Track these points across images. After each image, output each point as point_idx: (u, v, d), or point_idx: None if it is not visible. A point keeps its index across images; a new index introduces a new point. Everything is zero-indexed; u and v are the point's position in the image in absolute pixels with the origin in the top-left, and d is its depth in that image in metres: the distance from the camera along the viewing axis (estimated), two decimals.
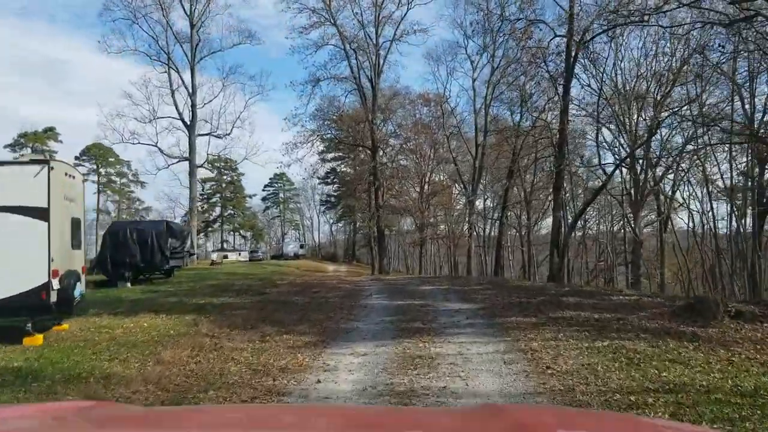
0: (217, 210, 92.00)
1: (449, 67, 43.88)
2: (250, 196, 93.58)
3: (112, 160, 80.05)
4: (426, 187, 54.22)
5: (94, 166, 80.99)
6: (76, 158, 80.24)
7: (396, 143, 50.12)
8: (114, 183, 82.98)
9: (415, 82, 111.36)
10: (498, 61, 40.94)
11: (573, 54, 27.24)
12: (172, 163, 39.84)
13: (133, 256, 24.19)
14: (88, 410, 2.07)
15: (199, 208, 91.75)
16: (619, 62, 35.19)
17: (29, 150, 69.21)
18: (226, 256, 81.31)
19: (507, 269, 76.68)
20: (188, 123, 38.96)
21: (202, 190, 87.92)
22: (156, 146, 38.58)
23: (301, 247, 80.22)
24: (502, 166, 46.76)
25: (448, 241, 70.34)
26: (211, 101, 40.14)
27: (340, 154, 67.79)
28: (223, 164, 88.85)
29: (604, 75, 32.91)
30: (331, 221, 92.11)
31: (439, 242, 71.39)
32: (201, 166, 39.63)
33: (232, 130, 40.17)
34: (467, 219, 43.35)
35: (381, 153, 44.50)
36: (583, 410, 5.04)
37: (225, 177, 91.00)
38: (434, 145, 50.68)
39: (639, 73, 35.68)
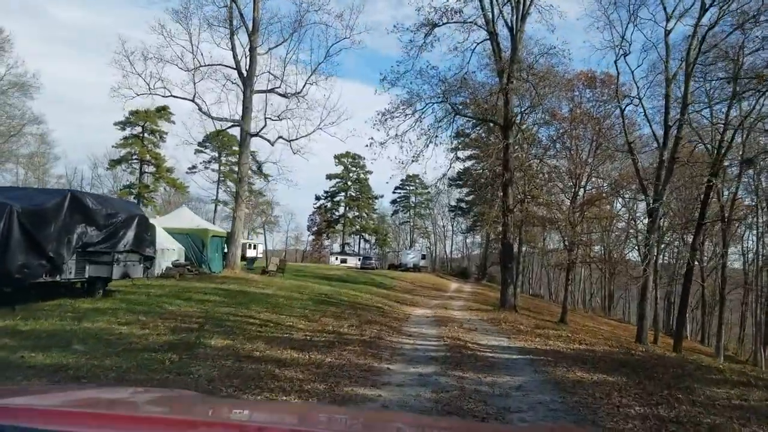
0: (341, 209, 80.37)
1: (632, 6, 27.59)
2: (377, 197, 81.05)
3: (236, 148, 70.66)
4: (582, 193, 37.32)
5: (215, 154, 72.38)
6: (199, 144, 72.25)
7: (545, 135, 35.11)
8: (235, 173, 73.75)
9: (576, 40, 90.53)
10: None
11: None
12: (224, 128, 27.49)
13: None
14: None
15: (324, 207, 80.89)
16: None
17: (139, 128, 61.29)
18: (345, 260, 69.33)
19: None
20: (244, 74, 26.40)
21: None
22: (194, 101, 26.09)
23: (423, 257, 66.05)
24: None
25: (604, 267, 53.77)
26: (278, 45, 27.24)
27: (475, 151, 53.06)
28: (350, 160, 77.38)
29: None
30: (463, 231, 77.36)
31: (591, 266, 55.25)
32: (257, 134, 26.80)
33: (304, 87, 26.96)
34: (647, 237, 26.95)
35: (518, 136, 29.57)
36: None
37: (351, 174, 79.30)
38: (597, 138, 34.53)
39: None
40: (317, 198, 79.46)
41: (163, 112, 59.83)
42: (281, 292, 19.61)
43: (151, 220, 25.70)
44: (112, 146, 60.19)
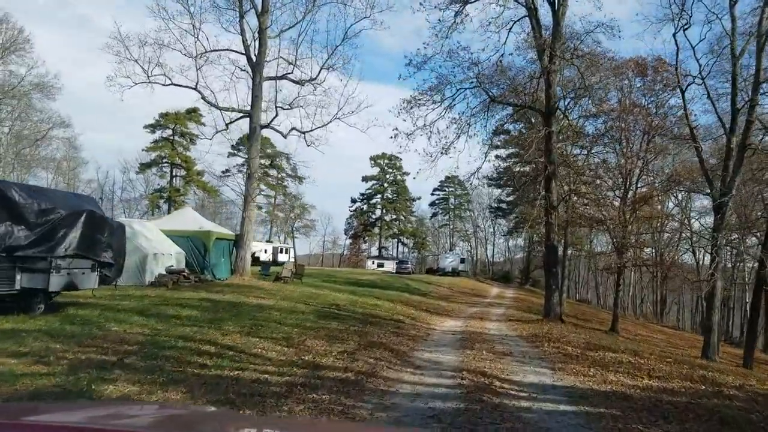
0: (377, 212, 77.33)
1: None
2: (415, 199, 77.71)
3: (270, 151, 68.30)
4: (633, 190, 33.08)
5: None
6: (233, 147, 70.29)
7: (591, 127, 31.53)
8: (269, 177, 71.49)
9: (626, 17, 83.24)
10: None
11: None
12: (233, 120, 24.69)
13: None
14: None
15: (360, 210, 77.93)
16: None
17: (169, 131, 59.56)
18: (381, 265, 66.20)
19: (737, 316, 53.22)
20: (254, 59, 23.58)
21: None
22: (197, 89, 23.31)
23: (462, 261, 62.46)
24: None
25: (655, 270, 49.28)
26: (290, 27, 24.36)
27: (516, 150, 49.34)
28: (386, 161, 74.37)
29: None
30: (504, 233, 73.36)
31: (642, 269, 50.71)
32: (267, 125, 23.98)
33: (320, 72, 24.00)
34: (713, 237, 23.00)
35: (563, 123, 26.08)
36: None
37: (388, 176, 76.21)
38: (650, 129, 30.54)
39: None
40: (353, 201, 76.80)
41: (193, 114, 57.88)
42: (284, 303, 16.58)
43: (150, 222, 23.17)
44: (142, 149, 58.71)
